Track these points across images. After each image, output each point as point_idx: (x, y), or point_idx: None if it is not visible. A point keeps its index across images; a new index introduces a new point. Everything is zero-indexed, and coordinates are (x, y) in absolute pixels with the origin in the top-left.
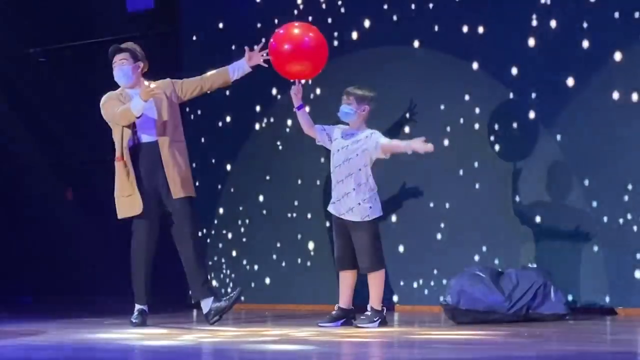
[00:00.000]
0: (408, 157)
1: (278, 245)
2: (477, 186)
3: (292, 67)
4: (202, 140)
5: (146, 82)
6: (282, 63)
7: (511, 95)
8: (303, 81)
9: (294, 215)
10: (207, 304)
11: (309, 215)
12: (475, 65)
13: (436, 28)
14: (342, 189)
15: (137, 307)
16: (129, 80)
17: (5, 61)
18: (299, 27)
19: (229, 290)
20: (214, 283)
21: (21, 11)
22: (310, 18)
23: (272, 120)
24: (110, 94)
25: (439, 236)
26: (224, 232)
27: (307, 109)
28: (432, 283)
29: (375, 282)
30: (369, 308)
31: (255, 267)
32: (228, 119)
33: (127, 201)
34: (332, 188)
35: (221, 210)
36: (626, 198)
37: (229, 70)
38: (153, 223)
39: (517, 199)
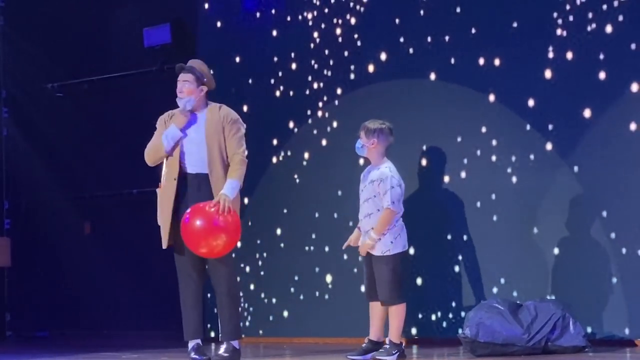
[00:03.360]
0: (425, 189)
1: (296, 278)
2: (494, 218)
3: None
4: None
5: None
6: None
7: (528, 127)
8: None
9: (312, 248)
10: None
11: (326, 248)
12: (491, 97)
13: (452, 60)
14: (364, 226)
15: (193, 342)
16: (188, 105)
17: (23, 96)
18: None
19: (247, 323)
20: None
21: (39, 46)
22: (326, 51)
23: (289, 153)
24: (162, 116)
25: (457, 269)
26: (242, 265)
27: (324, 142)
28: (450, 315)
29: (395, 315)
30: (387, 341)
31: (274, 300)
32: (245, 152)
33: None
34: None
35: (239, 244)
36: None
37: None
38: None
39: (535, 230)
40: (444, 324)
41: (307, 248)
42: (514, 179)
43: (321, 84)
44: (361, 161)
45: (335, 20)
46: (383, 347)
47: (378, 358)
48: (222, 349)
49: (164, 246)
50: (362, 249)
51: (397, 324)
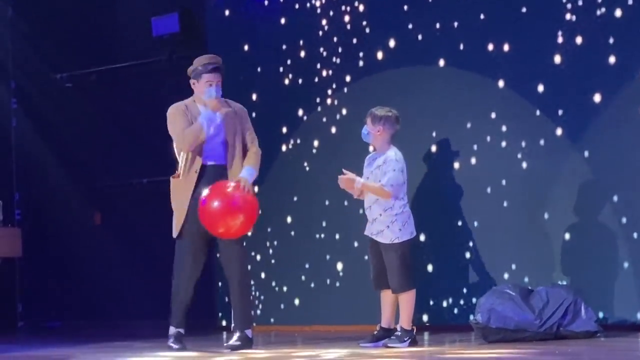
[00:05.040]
0: (435, 176)
1: (307, 266)
2: (505, 204)
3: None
4: None
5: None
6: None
7: (538, 112)
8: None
9: (322, 236)
10: (235, 337)
11: (337, 236)
12: (501, 83)
13: (461, 46)
14: (371, 214)
15: (175, 330)
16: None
17: (32, 87)
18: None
19: (258, 312)
20: None
21: (47, 37)
22: (335, 39)
23: (298, 141)
24: (177, 106)
25: (467, 255)
26: (253, 254)
27: (333, 129)
28: (461, 302)
29: (405, 302)
30: (398, 328)
31: (285, 288)
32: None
33: (175, 221)
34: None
35: (249, 233)
36: None
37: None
38: (199, 246)
39: (546, 216)
40: (456, 311)
41: (317, 236)
42: (524, 165)
43: (330, 72)
44: (371, 148)
45: (343, 8)
46: (394, 334)
47: (390, 345)
48: (235, 337)
49: (175, 235)
50: (349, 182)
51: (408, 310)
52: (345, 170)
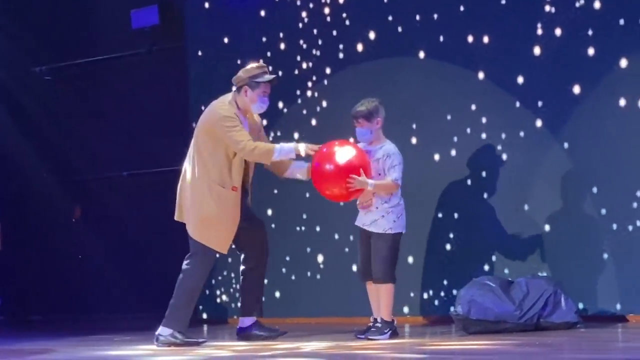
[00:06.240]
0: (416, 168)
1: (287, 258)
2: (485, 196)
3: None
4: None
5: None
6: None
7: (517, 104)
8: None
9: (303, 228)
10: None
11: (317, 229)
12: (481, 75)
13: (441, 38)
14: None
15: (181, 333)
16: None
17: (11, 79)
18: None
19: (239, 304)
20: (224, 298)
21: (26, 29)
22: (315, 31)
23: (278, 133)
24: (233, 110)
25: (448, 247)
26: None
27: (313, 121)
28: (442, 293)
29: (385, 294)
30: (379, 319)
31: (265, 281)
32: None
33: (223, 235)
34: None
35: None
36: (635, 205)
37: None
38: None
39: (526, 207)
40: (436, 302)
41: (298, 228)
42: (504, 156)
43: (310, 64)
44: (351, 140)
45: (323, 0)
46: (374, 326)
47: (370, 337)
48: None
49: (219, 249)
50: (360, 183)
51: (388, 302)
52: (353, 175)
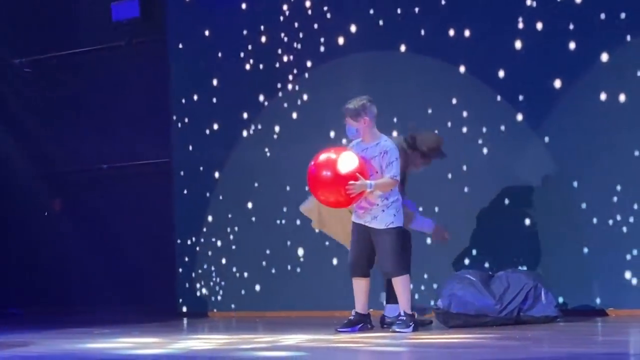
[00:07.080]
0: None
1: (267, 252)
2: (466, 190)
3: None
4: (190, 148)
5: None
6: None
7: (498, 98)
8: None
9: (283, 222)
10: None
11: (298, 222)
12: (462, 69)
13: (422, 32)
14: (366, 202)
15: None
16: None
17: None
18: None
19: (219, 297)
20: (204, 291)
21: (5, 22)
22: (296, 24)
23: (259, 127)
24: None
25: (428, 240)
26: (213, 240)
27: (294, 115)
28: (422, 287)
29: (401, 287)
30: (402, 313)
31: (245, 274)
32: (215, 126)
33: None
34: None
35: (210, 218)
36: (615, 199)
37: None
38: None
39: (507, 201)
40: (417, 296)
41: (278, 222)
42: (485, 150)
43: (291, 57)
44: (332, 134)
45: None
46: (399, 319)
47: (397, 330)
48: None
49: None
50: (359, 187)
51: (406, 294)
52: (352, 182)
